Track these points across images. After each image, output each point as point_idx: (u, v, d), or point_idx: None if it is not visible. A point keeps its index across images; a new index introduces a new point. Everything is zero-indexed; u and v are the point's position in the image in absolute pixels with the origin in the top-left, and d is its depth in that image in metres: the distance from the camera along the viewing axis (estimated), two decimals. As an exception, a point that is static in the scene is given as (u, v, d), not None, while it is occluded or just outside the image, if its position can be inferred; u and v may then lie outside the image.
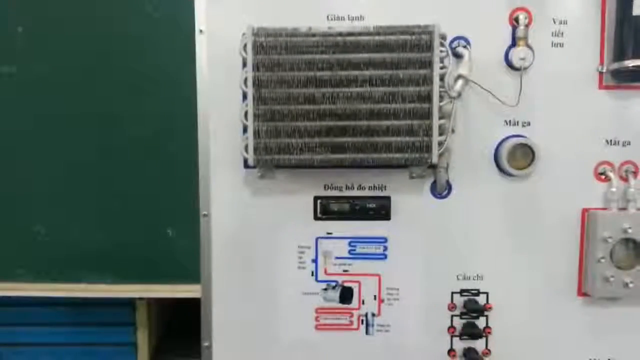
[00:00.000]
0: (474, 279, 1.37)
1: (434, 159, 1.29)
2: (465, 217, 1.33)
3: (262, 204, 1.34)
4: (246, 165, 1.24)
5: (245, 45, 1.25)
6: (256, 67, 1.28)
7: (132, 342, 1.77)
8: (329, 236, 1.35)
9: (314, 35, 1.25)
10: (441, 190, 1.34)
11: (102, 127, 1.58)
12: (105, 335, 1.81)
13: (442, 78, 1.26)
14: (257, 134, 1.29)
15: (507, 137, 1.34)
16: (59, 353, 1.79)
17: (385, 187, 1.36)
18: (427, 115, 1.28)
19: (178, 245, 1.55)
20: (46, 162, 1.60)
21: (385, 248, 1.37)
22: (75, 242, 1.59)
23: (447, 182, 1.34)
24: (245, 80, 1.28)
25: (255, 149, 1.29)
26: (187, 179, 1.41)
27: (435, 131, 1.29)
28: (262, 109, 1.29)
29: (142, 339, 1.78)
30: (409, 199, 1.33)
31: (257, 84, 1.29)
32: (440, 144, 1.27)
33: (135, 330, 1.77)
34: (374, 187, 1.36)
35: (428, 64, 1.27)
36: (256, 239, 1.32)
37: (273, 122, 1.29)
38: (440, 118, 1.28)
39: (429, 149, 1.30)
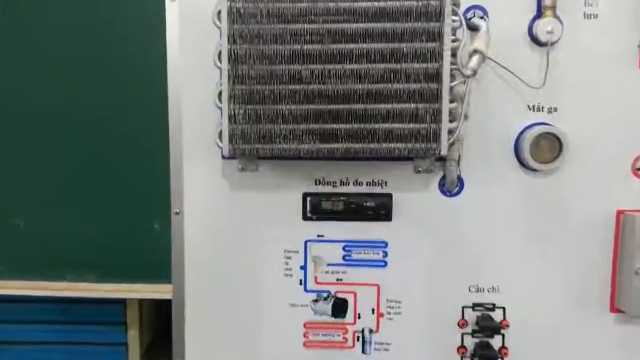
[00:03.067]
0: (488, 292, 1.11)
1: (443, 150, 1.02)
2: (480, 218, 1.08)
3: (242, 201, 1.12)
4: (224, 155, 1.00)
5: (219, 13, 0.99)
6: (232, 39, 1.01)
7: (123, 341, 1.55)
8: (320, 239, 1.12)
9: (300, 0, 0.97)
10: (451, 187, 1.09)
11: (82, 119, 1.34)
12: (95, 334, 1.56)
13: (454, 53, 0.98)
14: (233, 118, 1.03)
15: (531, 125, 1.08)
16: (45, 352, 1.55)
17: (385, 183, 1.12)
18: (436, 97, 1.01)
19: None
20: (26, 157, 1.37)
21: (386, 254, 1.12)
22: (57, 238, 1.37)
23: (459, 177, 1.09)
24: (220, 54, 1.02)
25: (231, 137, 1.03)
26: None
27: (445, 117, 1.02)
28: (239, 89, 1.03)
29: (133, 338, 1.56)
30: (414, 197, 1.09)
31: (234, 59, 1.02)
32: (450, 132, 1.02)
33: (126, 330, 1.55)
34: (373, 182, 1.12)
35: (437, 36, 0.99)
36: (236, 241, 1.11)
37: (252, 105, 1.03)
38: (451, 101, 1.02)
39: (437, 137, 1.02)
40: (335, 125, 1.01)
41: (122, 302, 1.46)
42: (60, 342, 1.49)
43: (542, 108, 1.07)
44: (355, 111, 1.01)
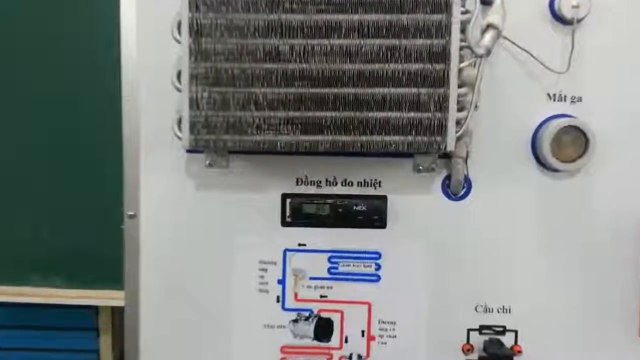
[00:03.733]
0: (498, 312, 0.94)
1: (450, 145, 0.84)
2: (489, 226, 0.91)
3: (210, 203, 0.94)
4: (188, 149, 0.83)
5: (178, -27, 0.76)
6: (194, 6, 0.81)
7: (94, 348, 1.46)
8: (301, 249, 0.94)
9: (278, -41, 0.75)
10: (457, 189, 0.92)
11: (43, 112, 1.22)
12: (65, 340, 1.48)
13: (463, 28, 0.81)
14: (195, 103, 0.84)
15: (551, 117, 0.92)
16: (12, 359, 1.47)
17: (379, 183, 0.95)
18: (442, 80, 0.82)
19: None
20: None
21: (379, 266, 0.94)
22: (20, 241, 1.26)
23: (466, 177, 0.92)
24: (179, 25, 0.82)
25: (193, 126, 0.84)
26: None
27: (453, 105, 0.83)
28: (203, 67, 0.83)
29: (105, 345, 1.46)
30: (413, 201, 0.92)
31: (196, 30, 0.82)
32: (458, 123, 0.83)
33: (97, 335, 1.46)
34: (365, 183, 0.95)
35: (444, 6, 0.80)
36: (202, 250, 0.93)
37: (218, 87, 0.83)
38: (460, 86, 0.83)
39: (442, 130, 0.83)
40: (319, 113, 0.83)
41: (93, 307, 1.37)
42: (25, 348, 1.42)
43: (565, 97, 0.91)
44: (344, 96, 0.82)
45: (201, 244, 0.92)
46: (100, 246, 1.23)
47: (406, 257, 0.92)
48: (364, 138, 0.83)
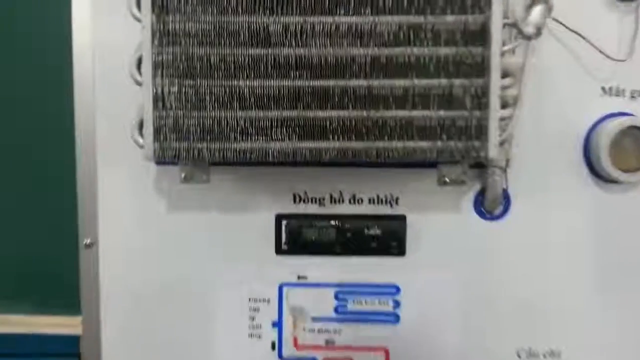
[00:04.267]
0: (545, 357, 0.76)
1: (492, 151, 0.64)
2: (533, 252, 0.73)
3: (187, 227, 0.76)
4: (160, 161, 0.65)
5: None
6: None
7: None
8: (301, 283, 0.76)
9: None
10: (494, 205, 0.75)
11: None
12: None
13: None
14: (160, 101, 0.64)
15: (607, 116, 0.74)
16: None
17: (396, 200, 0.77)
18: (481, 68, 0.63)
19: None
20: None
21: (397, 304, 0.77)
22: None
23: (504, 191, 0.75)
24: None
25: (158, 131, 0.64)
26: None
27: (495, 100, 0.63)
28: (171, 53, 0.63)
29: None
30: (438, 221, 0.74)
31: (160, 4, 0.62)
32: (502, 123, 0.65)
33: None
34: (379, 199, 0.77)
35: None
36: (177, 285, 0.76)
37: (191, 80, 0.63)
38: (503, 75, 0.64)
39: (482, 132, 0.64)
40: (322, 113, 0.64)
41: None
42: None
43: (624, 91, 0.73)
44: (355, 90, 0.63)
45: (176, 278, 0.75)
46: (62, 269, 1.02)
47: (431, 291, 0.75)
48: (380, 144, 0.64)
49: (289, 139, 0.64)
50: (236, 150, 0.64)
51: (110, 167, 0.72)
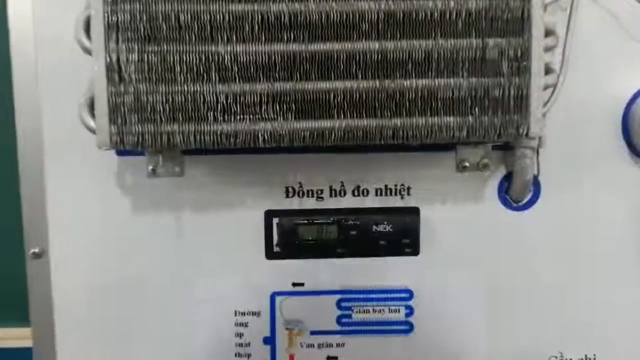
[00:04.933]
0: None
1: (535, 127, 0.53)
2: (565, 246, 0.65)
3: (156, 230, 0.65)
4: (120, 149, 0.54)
5: None
6: None
7: None
8: (297, 291, 0.66)
9: None
10: (522, 193, 0.65)
11: None
12: None
13: None
14: (116, 72, 0.50)
15: None
16: None
17: (408, 189, 0.66)
18: (519, 25, 0.51)
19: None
20: None
21: (410, 311, 0.67)
22: None
23: (535, 178, 0.62)
24: None
25: (114, 110, 0.50)
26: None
27: (538, 64, 0.52)
28: (128, 11, 0.49)
29: None
30: (456, 213, 0.64)
31: None
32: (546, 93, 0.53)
33: None
34: (387, 190, 0.66)
35: None
36: (145, 299, 0.65)
37: (155, 45, 0.50)
38: (546, 34, 0.52)
39: (522, 103, 0.52)
40: (324, 85, 0.51)
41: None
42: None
43: None
44: (364, 55, 0.50)
45: (143, 291, 0.64)
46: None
47: (449, 295, 0.65)
48: (397, 122, 0.52)
49: (283, 118, 0.51)
50: (216, 134, 0.51)
51: (60, 161, 0.61)
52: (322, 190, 0.64)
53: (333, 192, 0.64)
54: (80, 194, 0.62)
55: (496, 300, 0.66)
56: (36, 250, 0.62)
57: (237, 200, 0.64)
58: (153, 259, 0.64)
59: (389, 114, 0.51)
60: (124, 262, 0.64)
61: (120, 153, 0.62)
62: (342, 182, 0.64)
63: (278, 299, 0.65)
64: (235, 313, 0.65)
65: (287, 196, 0.63)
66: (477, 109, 0.52)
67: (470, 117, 0.52)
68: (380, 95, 0.51)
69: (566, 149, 0.64)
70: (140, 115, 0.50)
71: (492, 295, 0.66)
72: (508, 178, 0.64)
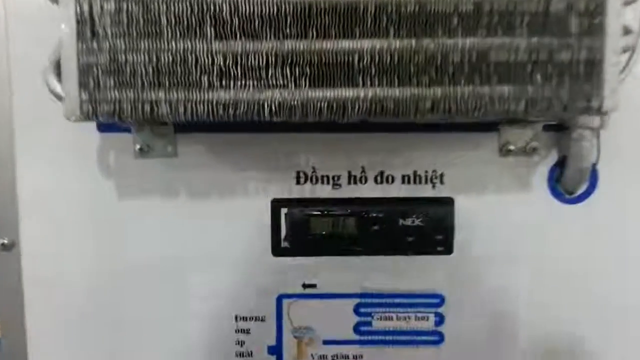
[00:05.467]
0: None
1: (609, 100, 0.42)
2: (626, 244, 0.56)
3: (145, 219, 0.56)
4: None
5: None
6: None
7: None
8: (308, 293, 0.57)
9: None
10: (577, 183, 0.56)
11: None
12: None
13: None
14: (87, 24, 0.40)
15: None
16: None
17: (441, 177, 0.57)
18: None
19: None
20: None
21: (441, 319, 0.58)
22: None
23: (593, 166, 0.54)
24: None
25: (85, 72, 0.41)
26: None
27: (615, 23, 0.41)
28: None
29: None
30: (498, 205, 0.56)
31: None
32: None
33: None
34: (416, 177, 0.57)
35: None
36: (134, 301, 0.56)
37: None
38: None
39: (594, 70, 0.41)
40: (347, 44, 0.41)
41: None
42: None
43: None
44: (397, 7, 0.40)
45: (129, 288, 0.55)
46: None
47: (487, 301, 0.56)
48: (437, 91, 0.42)
49: (295, 85, 0.41)
50: (211, 103, 0.41)
51: (32, 139, 0.52)
52: (339, 176, 0.55)
53: (352, 178, 0.55)
54: (56, 178, 0.54)
55: (542, 307, 0.57)
56: (5, 242, 0.54)
57: (239, 187, 0.55)
58: (140, 253, 0.55)
59: (427, 81, 0.41)
60: (107, 255, 0.55)
61: (102, 129, 0.53)
62: (362, 166, 0.55)
63: (286, 302, 0.57)
64: (236, 318, 0.57)
65: (298, 182, 0.55)
66: (538, 76, 0.42)
67: (529, 87, 0.42)
68: (417, 57, 0.41)
69: (632, 132, 0.55)
70: (117, 79, 0.41)
71: (538, 301, 0.57)
72: (560, 165, 0.55)
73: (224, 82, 0.40)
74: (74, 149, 0.54)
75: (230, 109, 0.40)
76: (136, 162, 0.53)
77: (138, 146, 0.52)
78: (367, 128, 0.53)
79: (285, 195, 0.55)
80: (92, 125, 0.53)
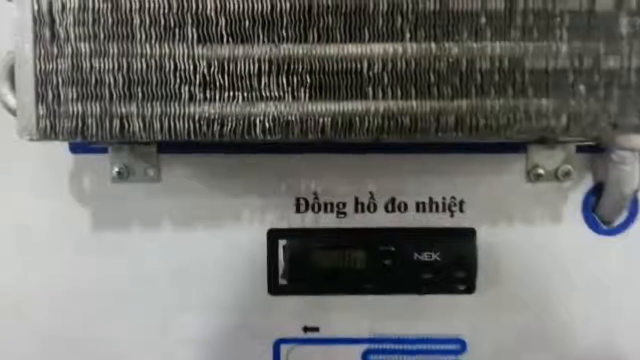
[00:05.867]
0: None
1: None
2: None
3: (123, 252, 0.49)
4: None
5: None
6: None
7: None
8: (310, 337, 0.50)
9: None
10: (616, 212, 0.49)
11: None
12: None
13: None
14: (46, 24, 0.34)
15: None
16: None
17: (461, 204, 0.50)
18: None
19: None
20: None
21: None
22: None
23: (634, 193, 0.48)
24: None
25: (43, 82, 0.34)
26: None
27: None
28: None
29: None
30: (526, 237, 0.49)
31: None
32: None
33: None
34: (433, 205, 0.50)
35: None
36: (109, 342, 0.49)
37: None
38: None
39: None
40: (353, 47, 0.34)
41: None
42: None
43: None
44: (413, 3, 0.34)
45: (103, 334, 0.48)
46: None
47: (514, 347, 0.49)
48: (461, 104, 0.35)
49: (293, 97, 0.35)
50: (192, 119, 0.35)
51: None
52: (344, 204, 0.49)
53: (360, 206, 0.49)
54: (19, 205, 0.48)
55: (577, 352, 0.50)
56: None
57: (230, 216, 0.49)
58: (114, 291, 0.49)
59: (450, 92, 0.35)
60: (76, 292, 0.49)
61: (75, 149, 0.48)
62: (371, 192, 0.49)
63: (284, 347, 0.50)
64: (227, 364, 0.49)
65: (298, 210, 0.49)
66: (581, 87, 0.35)
67: (571, 99, 0.35)
68: (438, 64, 0.35)
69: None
70: (81, 90, 0.34)
71: (572, 346, 0.50)
72: (596, 191, 0.49)
73: (208, 94, 0.34)
74: (42, 172, 0.48)
75: (215, 126, 0.33)
76: (113, 187, 0.47)
77: (116, 169, 0.46)
78: (377, 148, 0.47)
79: (284, 225, 0.49)
80: (63, 146, 0.46)
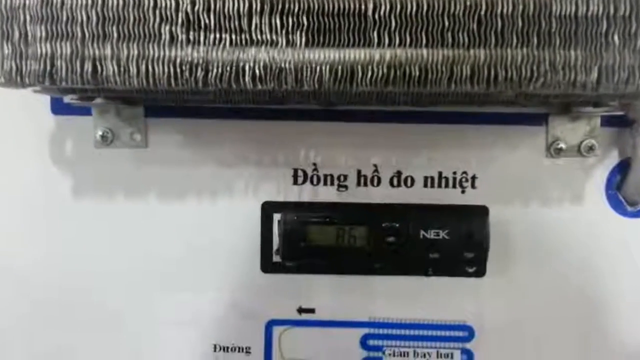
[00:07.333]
0: None
1: None
2: None
3: (107, 223, 0.44)
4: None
5: None
6: None
7: None
8: (305, 319, 0.46)
9: None
10: None
11: None
12: None
13: None
14: None
15: None
16: None
17: (473, 180, 0.45)
18: None
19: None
20: None
21: (469, 356, 0.46)
22: None
23: None
24: None
25: (7, 20, 0.30)
26: None
27: None
28: None
29: None
30: (544, 216, 0.44)
31: None
32: None
33: None
34: (442, 180, 0.45)
35: None
36: (86, 322, 0.44)
37: None
38: None
39: None
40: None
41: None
42: None
43: None
44: None
45: (85, 311, 0.44)
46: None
47: (526, 335, 0.44)
48: (479, 53, 0.30)
49: (287, 41, 0.30)
50: (173, 63, 0.30)
51: None
52: (345, 176, 0.45)
53: (362, 179, 0.45)
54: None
55: (593, 344, 0.45)
56: None
57: (222, 186, 0.45)
58: (97, 263, 0.45)
59: (466, 39, 0.30)
60: (58, 266, 0.45)
61: (57, 110, 0.44)
62: (375, 165, 0.45)
63: (277, 329, 0.46)
64: (215, 348, 0.46)
65: (295, 182, 0.45)
66: (615, 37, 0.30)
67: (604, 50, 0.30)
68: (452, 7, 0.30)
69: None
70: (50, 28, 0.30)
71: (588, 337, 0.45)
72: (622, 169, 0.44)
73: (191, 35, 0.29)
74: (21, 134, 0.44)
75: (199, 72, 0.29)
76: (97, 153, 0.43)
77: (99, 133, 0.43)
78: (382, 117, 0.43)
79: (280, 198, 0.45)
80: (44, 106, 0.41)
